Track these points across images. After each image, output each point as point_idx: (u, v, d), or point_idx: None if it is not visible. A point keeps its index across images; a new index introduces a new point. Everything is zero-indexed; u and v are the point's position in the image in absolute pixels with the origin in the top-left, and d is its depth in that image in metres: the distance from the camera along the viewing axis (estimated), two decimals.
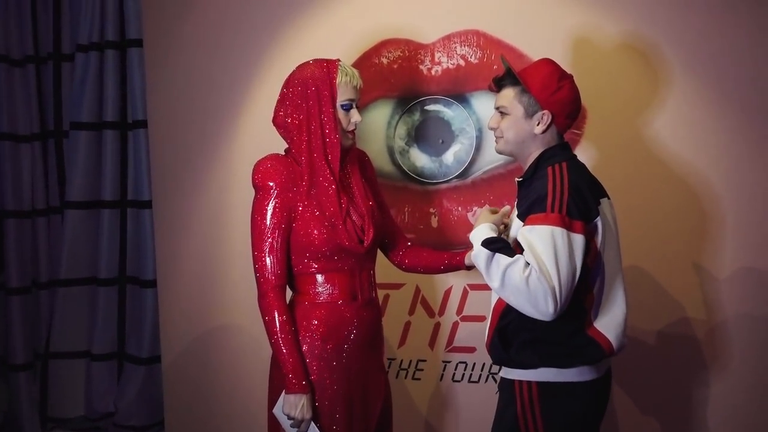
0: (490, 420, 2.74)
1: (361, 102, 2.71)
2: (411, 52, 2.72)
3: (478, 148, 2.71)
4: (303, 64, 2.14)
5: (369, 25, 2.76)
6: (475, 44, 2.68)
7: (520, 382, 1.99)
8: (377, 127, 2.61)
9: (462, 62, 2.70)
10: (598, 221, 1.94)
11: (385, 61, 2.74)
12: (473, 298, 2.72)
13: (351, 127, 2.11)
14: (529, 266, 1.85)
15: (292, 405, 2.02)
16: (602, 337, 1.96)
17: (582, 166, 2.06)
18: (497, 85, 2.10)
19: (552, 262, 1.84)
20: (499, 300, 1.99)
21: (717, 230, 2.63)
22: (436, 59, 2.70)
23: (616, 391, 2.64)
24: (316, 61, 2.12)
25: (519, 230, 1.94)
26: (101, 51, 3.65)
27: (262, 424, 2.94)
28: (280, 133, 2.14)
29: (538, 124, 2.01)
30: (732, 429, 2.66)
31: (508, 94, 2.05)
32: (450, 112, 2.70)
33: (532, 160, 2.04)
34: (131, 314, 3.87)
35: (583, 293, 1.95)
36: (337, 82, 2.07)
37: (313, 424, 2.04)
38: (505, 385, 2.04)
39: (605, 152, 2.66)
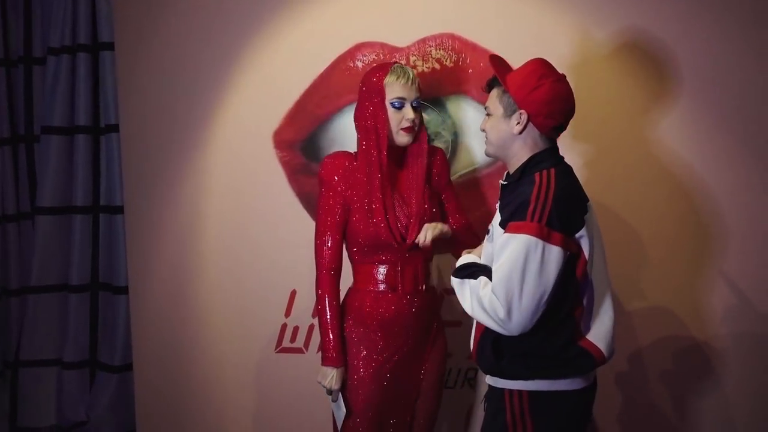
0: (467, 426, 2.75)
1: (334, 106, 2.74)
2: (386, 55, 2.71)
3: (453, 151, 2.70)
4: (371, 67, 2.37)
5: (344, 29, 2.74)
6: (450, 48, 2.67)
7: (511, 391, 1.97)
8: (352, 130, 2.58)
9: (437, 66, 2.69)
10: (584, 234, 1.92)
11: (360, 64, 2.72)
12: (448, 303, 2.70)
13: (404, 125, 2.23)
14: (489, 285, 1.88)
15: (324, 375, 2.26)
16: (593, 347, 1.96)
17: (570, 171, 2.03)
18: (487, 86, 2.07)
19: (519, 276, 1.83)
20: None
21: (712, 234, 2.65)
22: (411, 63, 2.69)
23: (603, 399, 2.63)
24: (379, 64, 2.35)
25: (499, 236, 1.92)
26: (73, 54, 3.60)
27: (232, 426, 2.93)
28: (356, 130, 2.32)
29: (517, 124, 1.98)
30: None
31: (493, 94, 2.04)
32: (425, 115, 2.68)
33: (519, 163, 2.01)
34: (104, 321, 3.82)
35: (573, 305, 1.94)
36: (385, 81, 2.23)
37: (340, 395, 2.26)
38: (494, 393, 2.02)
39: (595, 154, 2.66)
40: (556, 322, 1.92)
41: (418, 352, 2.33)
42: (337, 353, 2.25)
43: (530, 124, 1.98)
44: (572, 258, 1.90)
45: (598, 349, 1.96)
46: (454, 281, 2.02)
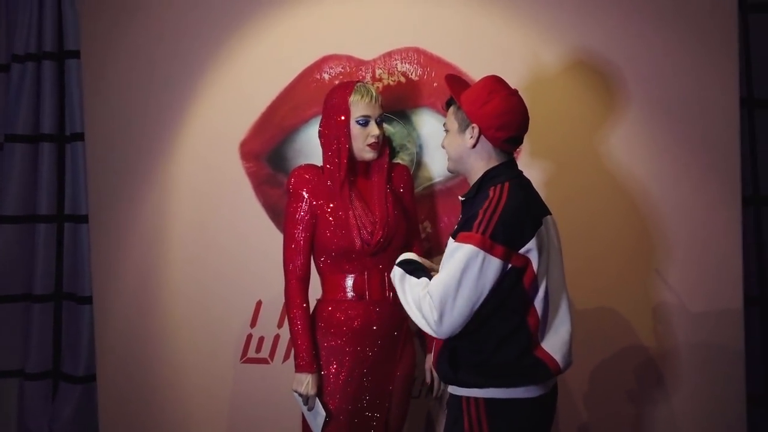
0: None
1: (300, 118, 2.76)
2: (352, 68, 2.74)
3: (418, 164, 2.74)
4: (333, 86, 2.46)
5: (310, 41, 2.77)
6: (415, 61, 2.71)
7: (468, 398, 2.01)
8: (319, 142, 2.61)
9: (403, 79, 2.72)
10: (533, 248, 1.96)
11: (326, 76, 2.74)
12: None
13: (370, 141, 2.33)
14: (427, 287, 1.95)
15: (299, 382, 2.29)
16: (549, 357, 2.00)
17: (526, 185, 2.08)
18: (447, 105, 2.14)
19: (455, 283, 1.90)
20: None
21: (666, 246, 2.72)
22: (377, 76, 2.72)
23: (562, 407, 2.67)
24: (341, 83, 2.45)
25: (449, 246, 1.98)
26: (38, 62, 3.57)
27: None
28: (320, 143, 2.41)
29: (470, 138, 2.04)
30: None
31: (450, 111, 2.11)
32: (390, 128, 2.71)
33: (477, 178, 2.07)
34: (67, 332, 3.77)
35: (524, 316, 1.98)
36: (350, 100, 2.33)
37: (317, 400, 2.29)
38: (453, 401, 2.06)
39: (554, 171, 2.72)
40: (507, 332, 1.97)
41: (387, 360, 2.38)
42: (310, 359, 2.30)
43: (483, 138, 2.03)
44: (518, 271, 1.95)
45: (554, 359, 2.00)
46: (396, 272, 2.08)
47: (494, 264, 1.91)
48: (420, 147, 2.73)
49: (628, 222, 2.72)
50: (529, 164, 2.59)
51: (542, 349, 2.01)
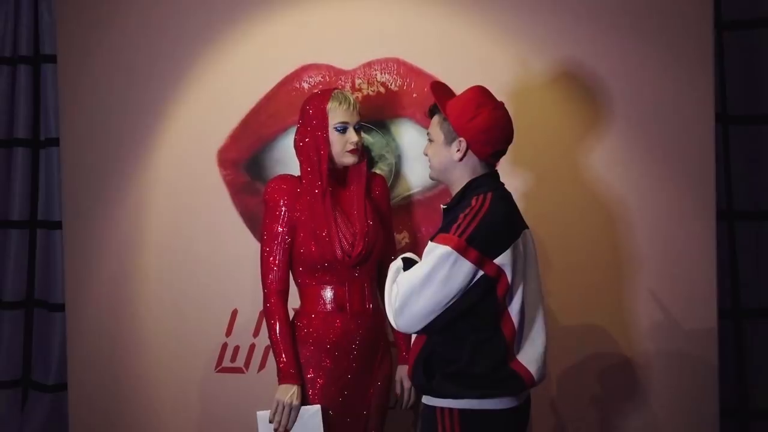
0: None
1: (279, 126, 2.76)
2: (332, 77, 2.74)
3: (396, 174, 2.74)
4: (310, 94, 2.45)
5: (290, 50, 2.77)
6: (395, 72, 2.72)
7: (442, 409, 2.01)
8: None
9: (382, 89, 2.73)
10: (507, 260, 1.97)
11: (306, 85, 2.74)
12: None
13: (349, 147, 2.31)
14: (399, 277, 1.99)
15: (284, 392, 2.25)
16: (524, 369, 2.01)
17: (507, 197, 2.09)
18: (429, 112, 2.14)
19: (423, 279, 1.93)
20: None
21: (637, 259, 2.75)
22: (357, 85, 2.72)
23: (536, 417, 2.68)
24: (318, 91, 2.42)
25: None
26: (13, 66, 3.53)
27: None
28: (296, 154, 2.38)
29: (457, 151, 2.04)
30: None
31: (434, 121, 2.11)
32: (369, 138, 2.71)
33: (460, 187, 2.08)
34: (38, 340, 3.72)
35: (498, 327, 1.99)
36: (328, 107, 2.31)
37: (310, 407, 2.25)
38: (427, 411, 2.06)
39: (533, 181, 2.74)
40: (481, 341, 1.98)
41: (366, 373, 2.36)
42: (295, 370, 2.27)
43: (469, 151, 2.04)
44: (490, 280, 1.96)
45: (528, 371, 2.01)
46: (395, 264, 2.08)
47: (465, 267, 1.92)
48: (399, 157, 2.74)
49: (605, 234, 2.74)
50: (509, 173, 2.61)
51: (517, 361, 2.01)
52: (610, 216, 2.73)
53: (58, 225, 3.52)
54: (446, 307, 1.94)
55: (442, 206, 2.12)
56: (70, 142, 2.97)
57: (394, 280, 2.04)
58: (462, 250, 1.92)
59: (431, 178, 2.18)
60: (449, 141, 2.06)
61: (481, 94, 2.07)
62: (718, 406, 2.73)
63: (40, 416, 3.66)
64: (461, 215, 1.97)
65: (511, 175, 2.57)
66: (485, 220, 1.95)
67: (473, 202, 1.99)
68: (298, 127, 2.37)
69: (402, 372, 2.47)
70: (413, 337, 2.10)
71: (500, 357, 1.99)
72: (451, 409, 2.00)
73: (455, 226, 1.95)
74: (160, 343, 2.91)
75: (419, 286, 1.94)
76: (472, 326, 1.98)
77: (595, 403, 2.77)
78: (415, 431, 2.75)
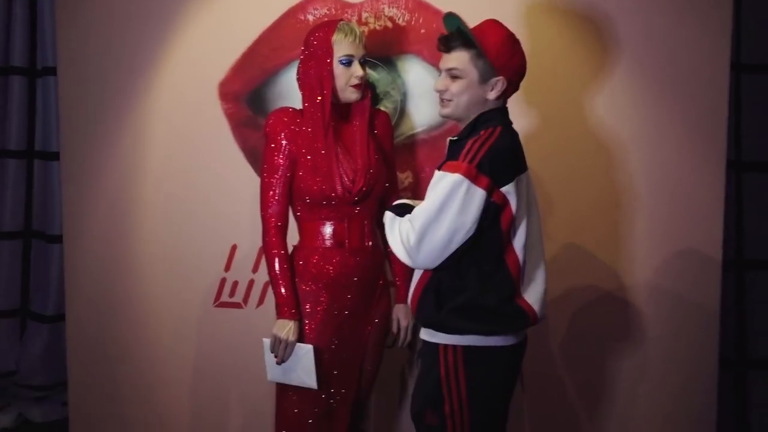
0: (402, 385, 2.78)
1: (282, 59, 2.69)
2: (338, 10, 2.65)
3: (402, 112, 2.68)
4: (314, 24, 2.36)
5: None
6: (403, 6, 2.63)
7: (445, 345, 2.00)
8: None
9: (389, 24, 2.64)
10: (512, 191, 1.95)
11: (310, 18, 2.66)
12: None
13: (353, 82, 2.25)
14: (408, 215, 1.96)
15: (281, 327, 2.24)
16: (529, 306, 2.02)
17: (514, 134, 2.06)
18: (445, 45, 2.02)
19: (437, 209, 1.89)
20: None
21: (644, 205, 2.71)
22: (363, 19, 2.64)
23: (533, 358, 2.69)
24: (323, 21, 2.35)
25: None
26: None
27: (167, 380, 2.90)
28: (299, 87, 2.32)
29: (492, 90, 2.00)
30: (643, 400, 2.76)
31: (462, 56, 2.00)
32: (375, 74, 2.64)
33: (469, 121, 2.04)
34: (36, 270, 3.73)
35: (502, 256, 1.98)
36: (333, 39, 2.24)
37: (303, 345, 2.23)
38: (428, 349, 2.05)
39: (539, 124, 2.68)
40: (488, 273, 1.97)
41: (363, 310, 2.35)
42: (293, 305, 2.25)
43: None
44: (497, 208, 1.94)
45: (533, 309, 2.02)
46: (388, 215, 2.06)
47: (478, 195, 1.89)
48: (404, 95, 2.67)
49: (610, 178, 2.70)
50: (515, 114, 2.55)
51: (523, 298, 2.02)
52: (616, 160, 2.69)
53: (55, 156, 3.49)
54: (464, 238, 1.91)
55: (449, 139, 2.07)
56: (68, 71, 2.90)
57: (394, 226, 2.01)
58: (473, 177, 1.89)
59: (444, 115, 2.08)
60: (485, 79, 1.99)
61: (509, 30, 2.01)
62: (718, 354, 2.73)
63: (38, 346, 3.70)
64: (469, 142, 1.94)
65: (518, 115, 2.51)
66: (494, 146, 1.93)
67: (482, 133, 1.97)
68: (301, 59, 2.30)
69: (399, 310, 2.45)
70: (416, 272, 2.08)
71: (507, 292, 1.99)
72: (454, 346, 1.99)
73: (464, 152, 1.91)
74: (158, 278, 2.89)
75: (434, 217, 1.90)
76: (476, 260, 1.97)
77: (593, 346, 2.77)
78: (409, 369, 2.75)
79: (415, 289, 2.07)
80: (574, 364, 2.78)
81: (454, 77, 2.01)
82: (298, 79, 2.31)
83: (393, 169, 2.49)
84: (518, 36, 2.06)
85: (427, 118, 2.64)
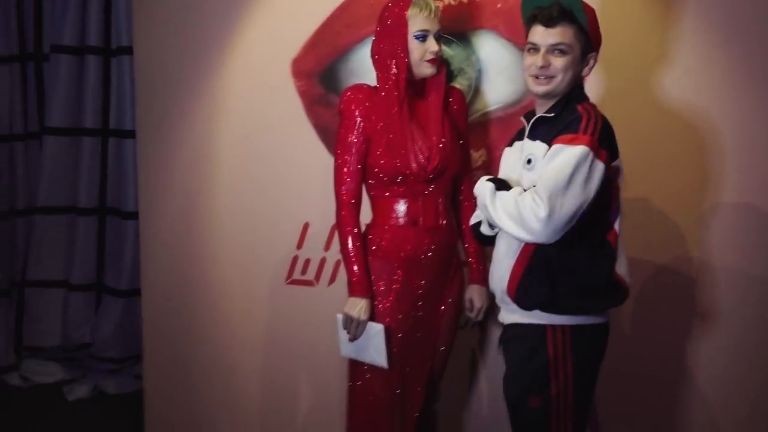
0: (473, 367, 2.75)
1: (355, 37, 2.67)
2: None
3: (476, 90, 2.63)
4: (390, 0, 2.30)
5: None
6: None
7: (554, 326, 1.97)
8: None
9: None
10: (620, 164, 1.96)
11: None
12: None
13: (428, 57, 2.22)
14: (525, 191, 1.90)
15: (353, 305, 2.23)
16: (623, 280, 2.00)
17: None
18: (549, 19, 1.96)
19: (565, 182, 1.83)
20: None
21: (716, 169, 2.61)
22: None
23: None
24: None
25: (545, 150, 1.92)
26: None
27: (239, 355, 2.93)
28: (373, 64, 2.30)
29: (586, 66, 2.01)
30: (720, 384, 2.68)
31: (567, 31, 1.96)
32: (449, 50, 2.60)
33: (555, 100, 2.01)
34: (111, 246, 3.81)
35: (605, 230, 1.97)
36: (408, 14, 2.21)
37: (374, 324, 2.22)
38: (529, 331, 2.00)
39: (608, 97, 2.59)
40: (596, 248, 1.95)
41: (437, 290, 2.33)
42: (365, 283, 2.24)
43: None
44: (608, 182, 1.92)
45: (626, 282, 2.00)
46: (487, 186, 1.96)
47: (599, 168, 1.87)
48: (479, 72, 2.62)
49: (689, 161, 2.61)
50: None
51: (617, 271, 1.99)
52: (696, 142, 2.59)
53: (129, 134, 3.56)
54: (585, 210, 1.87)
55: (542, 114, 2.02)
56: (144, 50, 2.93)
57: (496, 201, 1.93)
58: (595, 150, 1.86)
59: (543, 92, 2.00)
60: (584, 54, 1.99)
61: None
62: None
63: (112, 319, 3.80)
64: (584, 114, 1.90)
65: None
66: (606, 122, 1.92)
67: (580, 109, 1.93)
68: (375, 36, 2.28)
69: (473, 291, 2.43)
70: (504, 253, 2.04)
71: (610, 266, 1.97)
72: (562, 327, 1.96)
73: (583, 125, 1.87)
74: (231, 253, 2.92)
75: (563, 189, 1.83)
76: (585, 235, 1.92)
77: (668, 324, 2.70)
78: (480, 351, 2.74)
79: (514, 270, 1.99)
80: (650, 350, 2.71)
81: (563, 52, 1.96)
82: (373, 56, 2.29)
83: (467, 147, 2.45)
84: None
85: (503, 95, 2.59)
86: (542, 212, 1.83)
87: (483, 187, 1.99)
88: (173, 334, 3.03)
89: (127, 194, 3.66)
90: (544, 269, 1.95)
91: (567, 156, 1.85)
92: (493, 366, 2.73)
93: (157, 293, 3.04)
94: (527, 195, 1.88)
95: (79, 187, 3.72)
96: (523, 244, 1.97)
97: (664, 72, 2.59)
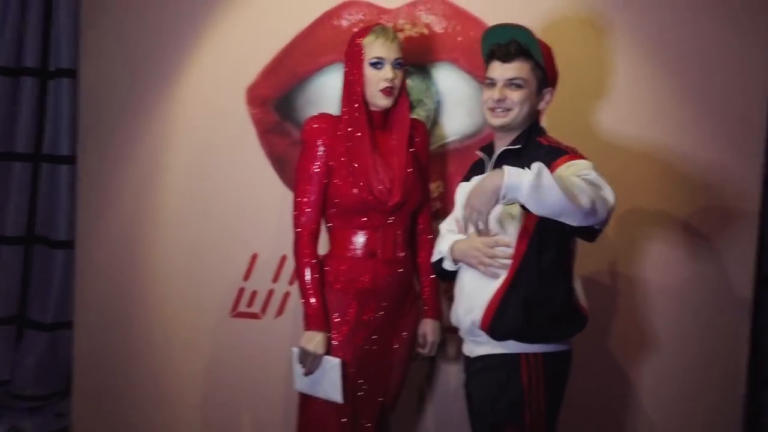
0: (420, 400, 2.68)
1: (314, 65, 2.65)
2: (374, 16, 2.63)
3: (435, 121, 2.65)
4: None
5: None
6: (440, 13, 2.61)
7: (527, 354, 1.98)
8: (332, 91, 2.51)
9: (426, 31, 2.62)
10: None
11: (345, 23, 2.63)
12: None
13: (382, 85, 2.19)
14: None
15: (309, 339, 2.17)
16: (583, 306, 2.04)
17: None
18: (506, 55, 2.02)
19: (595, 173, 1.84)
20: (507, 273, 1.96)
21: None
22: (400, 26, 2.62)
23: None
24: (363, 26, 2.34)
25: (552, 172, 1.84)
26: None
27: (179, 391, 2.81)
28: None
29: (542, 100, 2.06)
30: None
31: (524, 66, 2.03)
32: (409, 81, 2.61)
33: (518, 132, 2.06)
34: (37, 277, 3.62)
35: (572, 258, 2.02)
36: (364, 41, 2.20)
37: (330, 358, 2.18)
38: (503, 361, 2.00)
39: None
40: (569, 277, 2.00)
41: (392, 323, 2.30)
42: (322, 317, 2.19)
43: None
44: None
45: (585, 308, 2.04)
46: (536, 165, 1.75)
47: None
48: (438, 103, 2.65)
49: (645, 189, 2.65)
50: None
51: (576, 298, 2.03)
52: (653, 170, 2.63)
53: (64, 160, 3.43)
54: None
55: (507, 147, 2.05)
56: (91, 72, 2.85)
57: (564, 179, 1.79)
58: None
59: (499, 125, 2.04)
60: (540, 89, 2.05)
61: None
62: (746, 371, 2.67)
63: (35, 354, 3.60)
64: (560, 146, 1.97)
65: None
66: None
67: (543, 141, 2.00)
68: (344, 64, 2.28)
69: (427, 325, 2.40)
70: (470, 285, 2.03)
71: (571, 292, 2.00)
72: (536, 354, 1.97)
73: (564, 151, 1.93)
74: (175, 285, 2.83)
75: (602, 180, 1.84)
76: (561, 263, 1.98)
77: (614, 356, 2.73)
78: (428, 385, 2.70)
79: (491, 301, 1.98)
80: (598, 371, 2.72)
81: (519, 87, 2.03)
82: (341, 82, 2.28)
83: (426, 180, 2.45)
84: (553, 41, 2.11)
85: (461, 126, 2.62)
86: (605, 187, 1.82)
87: (535, 166, 1.77)
88: (108, 368, 2.91)
89: (57, 222, 3.50)
90: (519, 298, 1.96)
91: (580, 166, 1.87)
92: (442, 400, 2.71)
93: (91, 326, 2.92)
94: (577, 179, 1.80)
95: (6, 214, 3.53)
96: (503, 277, 1.96)
97: (598, 98, 2.65)
